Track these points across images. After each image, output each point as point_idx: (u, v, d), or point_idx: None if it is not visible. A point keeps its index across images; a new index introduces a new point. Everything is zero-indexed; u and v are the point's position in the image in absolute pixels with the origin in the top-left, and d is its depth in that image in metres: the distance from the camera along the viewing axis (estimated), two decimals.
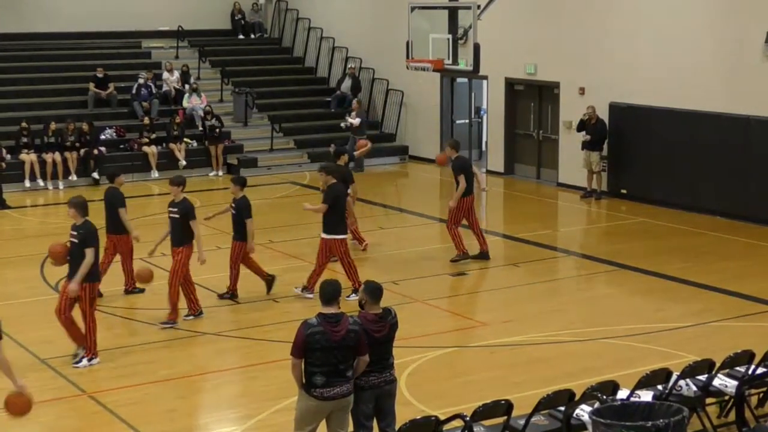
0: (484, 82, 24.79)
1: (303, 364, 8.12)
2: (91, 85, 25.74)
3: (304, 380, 8.17)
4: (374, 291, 8.56)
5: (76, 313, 11.69)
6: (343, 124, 25.97)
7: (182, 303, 13.32)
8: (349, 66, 28.19)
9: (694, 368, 9.51)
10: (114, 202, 14.17)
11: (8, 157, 22.58)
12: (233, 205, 14.38)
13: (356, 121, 25.32)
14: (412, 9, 19.29)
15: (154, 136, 24.62)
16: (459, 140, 18.39)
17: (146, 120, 24.83)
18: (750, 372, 9.65)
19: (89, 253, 11.33)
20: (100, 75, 25.83)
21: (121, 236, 14.21)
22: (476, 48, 17.71)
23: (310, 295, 14.05)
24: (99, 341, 11.84)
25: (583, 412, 8.71)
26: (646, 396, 9.11)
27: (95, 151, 23.55)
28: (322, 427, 8.37)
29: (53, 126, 23.45)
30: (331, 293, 8.24)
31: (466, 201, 16.09)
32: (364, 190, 22.27)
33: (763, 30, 18.53)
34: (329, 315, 8.15)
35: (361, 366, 8.31)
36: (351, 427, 8.52)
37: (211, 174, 24.83)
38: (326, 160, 18.54)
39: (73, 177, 23.33)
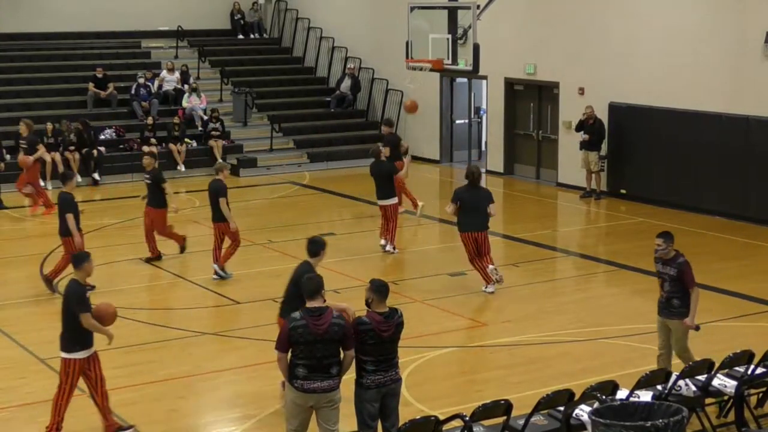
0: (484, 82, 24.79)
1: (290, 357, 8.21)
2: (91, 85, 25.72)
3: (288, 372, 8.26)
4: (380, 289, 8.57)
5: None
6: None
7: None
8: (349, 66, 28.18)
9: (693, 368, 9.52)
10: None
11: (8, 157, 22.55)
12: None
13: None
14: (412, 9, 19.29)
15: (154, 136, 24.58)
16: None
17: (149, 120, 24.80)
18: (749, 372, 9.66)
19: None
20: (99, 75, 25.80)
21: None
22: (476, 48, 17.70)
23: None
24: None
25: (583, 412, 8.73)
26: (645, 396, 9.12)
27: (95, 152, 23.54)
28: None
29: (50, 126, 23.40)
30: (313, 287, 8.34)
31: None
32: (366, 190, 22.27)
33: (763, 30, 18.53)
34: (312, 309, 8.24)
35: (348, 361, 8.36)
36: (355, 427, 8.53)
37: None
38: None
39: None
